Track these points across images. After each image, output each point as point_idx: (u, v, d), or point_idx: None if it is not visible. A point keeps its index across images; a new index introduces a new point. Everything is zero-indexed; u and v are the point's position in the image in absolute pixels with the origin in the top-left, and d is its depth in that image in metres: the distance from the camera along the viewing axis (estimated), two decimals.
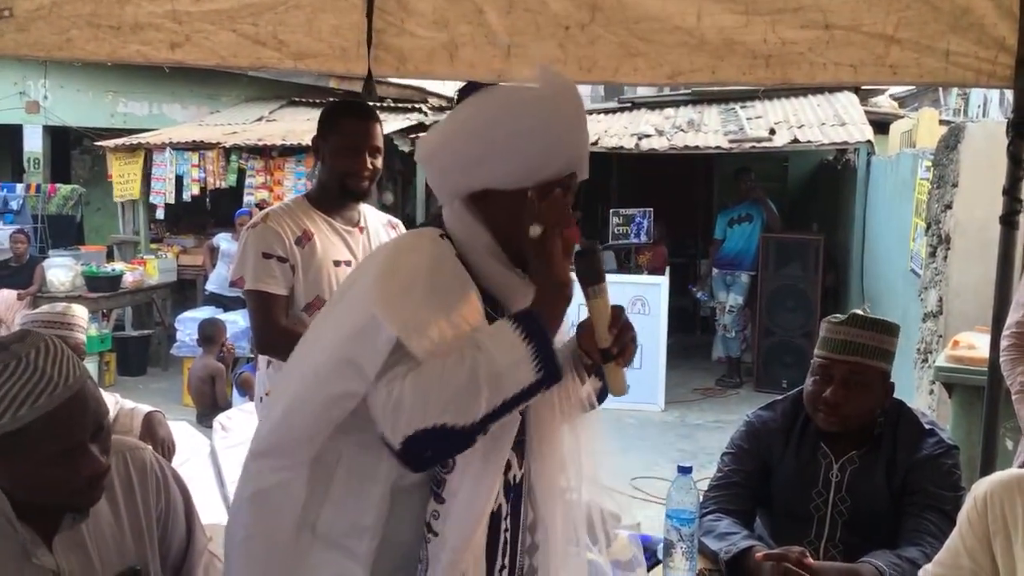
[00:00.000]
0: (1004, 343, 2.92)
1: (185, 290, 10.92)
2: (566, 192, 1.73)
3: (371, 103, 3.24)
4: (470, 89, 1.75)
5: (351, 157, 2.88)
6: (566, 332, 1.83)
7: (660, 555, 2.41)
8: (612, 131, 10.17)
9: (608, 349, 1.73)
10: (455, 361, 1.58)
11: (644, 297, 8.47)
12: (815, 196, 11.88)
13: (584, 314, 1.77)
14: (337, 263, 2.91)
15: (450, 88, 11.68)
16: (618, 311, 1.75)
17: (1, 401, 1.57)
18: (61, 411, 1.60)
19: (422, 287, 1.62)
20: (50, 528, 1.72)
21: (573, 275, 1.74)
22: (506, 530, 1.81)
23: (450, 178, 1.77)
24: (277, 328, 2.82)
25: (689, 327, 11.43)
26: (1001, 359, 2.93)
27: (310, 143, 3.01)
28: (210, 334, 8.00)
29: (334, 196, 2.96)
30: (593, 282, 1.73)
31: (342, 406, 1.66)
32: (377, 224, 3.12)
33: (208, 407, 7.48)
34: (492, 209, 1.72)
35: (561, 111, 1.72)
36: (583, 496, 1.90)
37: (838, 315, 2.50)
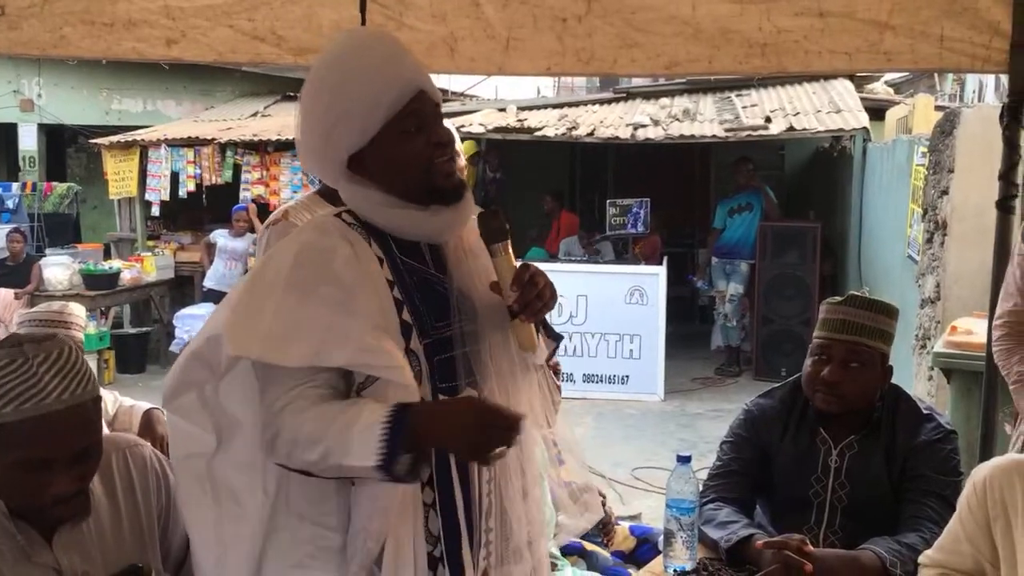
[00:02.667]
0: (996, 333, 2.90)
1: (183, 287, 10.91)
2: (421, 120, 1.76)
3: None
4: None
5: None
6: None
7: (660, 546, 2.43)
8: (608, 121, 10.16)
9: (510, 306, 1.78)
10: (317, 430, 1.62)
11: (642, 287, 8.46)
12: (812, 184, 11.87)
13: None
14: None
15: (452, 83, 11.66)
16: (520, 270, 1.80)
17: (10, 390, 1.59)
18: (43, 422, 1.60)
19: (276, 300, 1.68)
20: (50, 526, 1.73)
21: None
22: (478, 470, 1.84)
23: (325, 166, 1.82)
24: None
25: (687, 316, 11.45)
26: (994, 349, 2.91)
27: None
28: None
29: None
30: (495, 240, 1.80)
31: (189, 392, 1.76)
32: None
33: None
34: (367, 167, 1.77)
35: (356, 54, 1.77)
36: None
37: (837, 296, 2.51)
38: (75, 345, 1.70)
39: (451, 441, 1.64)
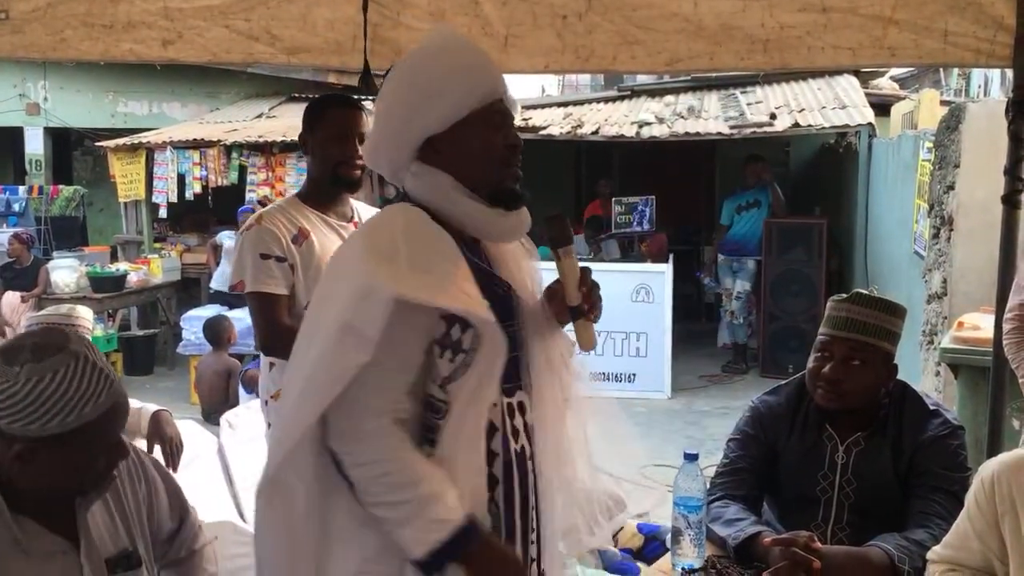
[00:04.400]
0: (1007, 326, 2.90)
1: (189, 288, 10.93)
2: (504, 120, 1.85)
3: (370, 97, 3.24)
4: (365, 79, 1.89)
5: (340, 145, 2.84)
6: (537, 292, 1.98)
7: (668, 544, 2.42)
8: (612, 119, 10.15)
9: (579, 306, 1.87)
10: (408, 482, 1.69)
11: (648, 285, 8.45)
12: (817, 180, 11.85)
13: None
14: None
15: None
16: (585, 271, 1.90)
17: (71, 400, 1.68)
18: (116, 407, 1.76)
19: (404, 252, 1.71)
20: (55, 519, 1.82)
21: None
22: (532, 470, 1.90)
23: (400, 152, 1.86)
24: (281, 328, 2.80)
25: (694, 314, 11.43)
26: (1004, 343, 2.92)
27: (298, 140, 3.00)
28: (217, 333, 7.99)
29: (326, 190, 2.94)
30: (561, 244, 1.89)
31: (345, 383, 1.71)
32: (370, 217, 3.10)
33: (218, 403, 7.47)
34: (442, 153, 1.82)
35: (458, 47, 1.88)
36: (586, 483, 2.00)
37: (843, 294, 2.50)
38: (87, 345, 1.77)
39: None
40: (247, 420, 4.82)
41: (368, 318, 1.67)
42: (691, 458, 2.26)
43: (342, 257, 1.89)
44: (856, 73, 10.36)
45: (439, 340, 1.73)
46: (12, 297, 9.19)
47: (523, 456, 1.87)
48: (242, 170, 10.63)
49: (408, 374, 1.73)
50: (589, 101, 11.84)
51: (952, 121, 5.41)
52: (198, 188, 10.68)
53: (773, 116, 9.39)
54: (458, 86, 1.80)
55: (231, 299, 9.01)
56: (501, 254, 1.92)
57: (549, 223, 1.89)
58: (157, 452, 3.09)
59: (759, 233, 9.21)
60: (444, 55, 1.85)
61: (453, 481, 1.73)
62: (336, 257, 1.96)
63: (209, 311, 8.90)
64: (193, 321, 8.84)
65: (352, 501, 1.76)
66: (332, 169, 2.87)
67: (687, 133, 9.40)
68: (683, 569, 2.22)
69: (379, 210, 3.24)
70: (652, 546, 3.92)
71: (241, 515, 3.89)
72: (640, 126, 9.62)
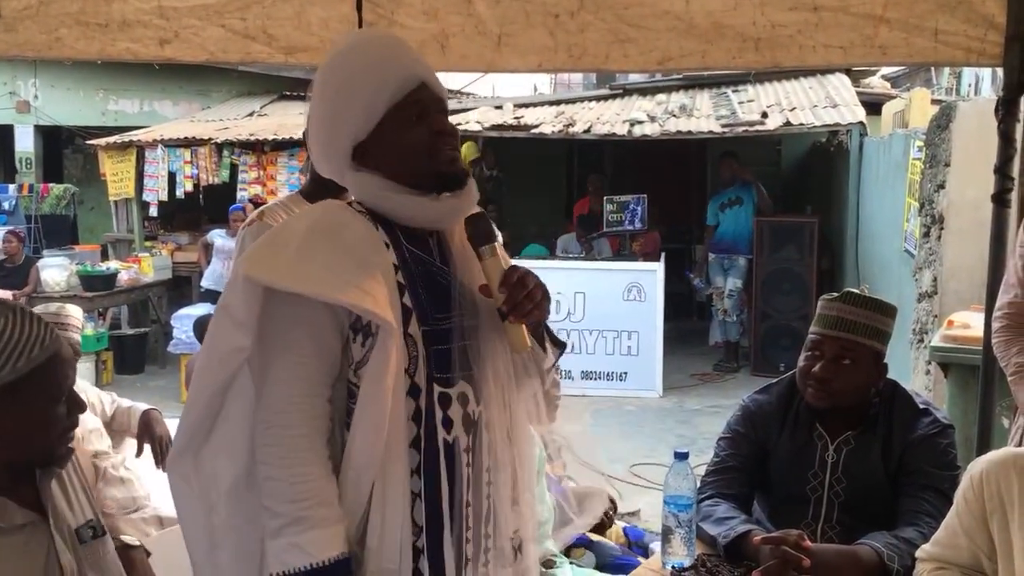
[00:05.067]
0: (996, 325, 2.90)
1: (181, 287, 10.91)
2: (423, 109, 1.80)
3: None
4: None
5: None
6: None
7: (649, 553, 2.43)
8: (604, 118, 10.16)
9: (499, 308, 1.79)
10: (294, 495, 1.66)
11: (640, 284, 8.46)
12: (808, 178, 11.87)
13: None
14: None
15: (448, 80, 11.65)
16: (508, 271, 1.80)
17: (17, 344, 1.74)
18: (62, 352, 1.82)
19: (297, 243, 1.71)
20: (19, 494, 1.85)
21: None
22: (468, 464, 1.82)
23: (332, 159, 1.86)
24: None
25: (685, 312, 11.44)
26: (993, 341, 2.92)
27: (301, 137, 3.01)
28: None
29: (327, 189, 2.94)
30: (482, 243, 1.81)
31: (232, 366, 1.72)
32: None
33: None
34: (371, 157, 1.81)
35: (359, 49, 1.84)
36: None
37: (833, 292, 2.50)
38: (20, 304, 1.89)
39: None
40: None
41: (236, 301, 1.69)
42: (682, 457, 2.26)
43: None
44: (847, 72, 10.39)
45: (352, 325, 1.73)
46: (2, 295, 9.15)
47: (453, 448, 1.79)
48: (233, 168, 10.62)
49: (323, 361, 1.72)
50: (581, 99, 11.85)
51: (943, 120, 5.42)
52: (189, 186, 10.67)
53: (764, 115, 9.41)
54: (366, 91, 1.77)
55: None
56: (458, 246, 1.87)
57: (468, 222, 1.83)
58: (147, 451, 3.08)
59: (747, 230, 9.24)
60: (348, 63, 1.82)
61: (355, 453, 1.72)
62: None
63: (200, 310, 8.87)
64: (184, 320, 8.82)
65: None
66: None
67: (679, 131, 9.41)
68: (673, 567, 2.23)
69: None
70: (636, 552, 3.93)
71: None
72: (632, 124, 9.63)
